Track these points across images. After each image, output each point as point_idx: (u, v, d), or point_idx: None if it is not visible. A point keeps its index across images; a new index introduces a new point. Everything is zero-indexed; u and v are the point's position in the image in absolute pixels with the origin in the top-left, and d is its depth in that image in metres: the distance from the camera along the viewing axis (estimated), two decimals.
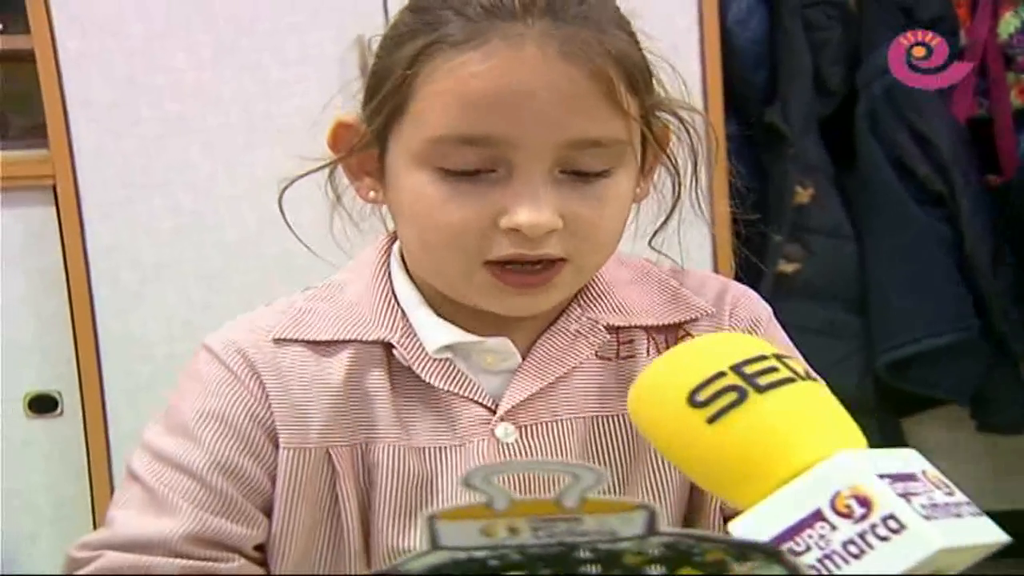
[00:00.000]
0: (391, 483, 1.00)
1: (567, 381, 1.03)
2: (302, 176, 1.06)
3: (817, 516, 0.66)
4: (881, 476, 0.67)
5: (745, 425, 0.71)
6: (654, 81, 1.00)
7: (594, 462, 1.01)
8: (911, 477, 0.68)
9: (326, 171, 1.06)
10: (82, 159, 2.37)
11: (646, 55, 0.99)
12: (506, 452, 1.00)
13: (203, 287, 2.42)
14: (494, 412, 1.01)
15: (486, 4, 0.93)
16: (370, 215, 1.09)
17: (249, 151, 2.40)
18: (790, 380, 0.73)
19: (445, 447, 1.01)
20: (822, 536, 0.65)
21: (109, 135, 2.37)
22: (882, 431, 2.52)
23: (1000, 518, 0.71)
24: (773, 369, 0.73)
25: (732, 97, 2.49)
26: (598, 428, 1.02)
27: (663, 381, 0.76)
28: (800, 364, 0.76)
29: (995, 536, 0.68)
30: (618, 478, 1.02)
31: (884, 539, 0.64)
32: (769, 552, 0.52)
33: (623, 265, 1.09)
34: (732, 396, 0.71)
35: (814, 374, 0.77)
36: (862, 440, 0.73)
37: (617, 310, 1.06)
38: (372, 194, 1.03)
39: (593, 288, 1.06)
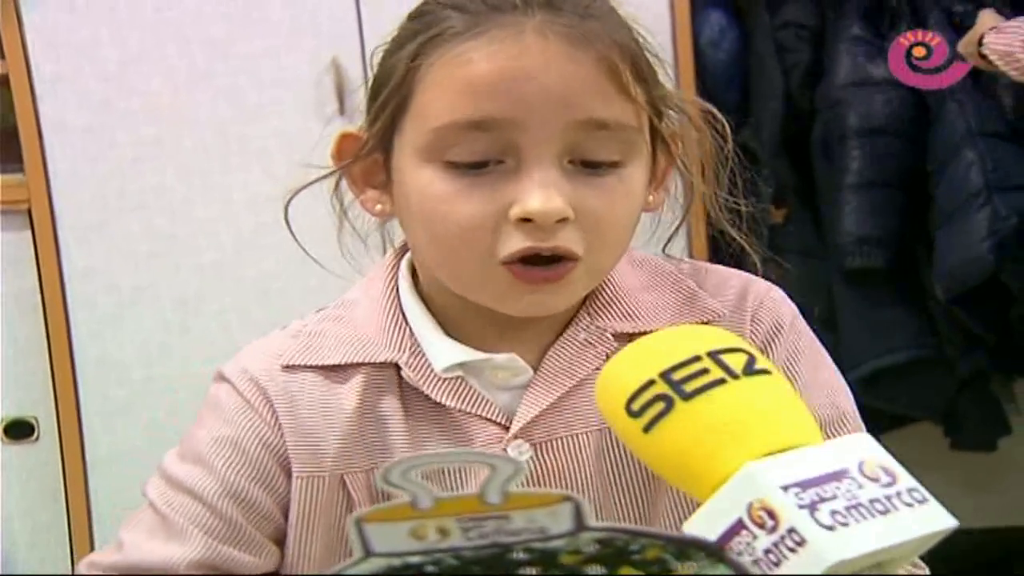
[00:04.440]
0: None
1: (579, 393, 1.00)
2: (309, 184, 1.04)
3: (740, 525, 0.67)
4: (789, 486, 0.67)
5: (673, 434, 0.72)
6: (660, 77, 1.00)
7: (611, 475, 1.00)
8: (836, 476, 0.68)
9: (328, 188, 1.04)
10: (57, 183, 2.37)
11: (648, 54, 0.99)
12: None
13: (179, 310, 2.41)
14: (507, 429, 0.99)
15: (486, 0, 0.93)
16: (372, 231, 1.07)
17: (225, 174, 2.40)
18: (720, 382, 0.74)
19: (460, 467, 0.98)
20: (748, 544, 0.67)
21: (84, 159, 2.37)
22: None
23: (976, 536, 0.72)
24: (703, 372, 0.74)
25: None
26: (613, 439, 0.99)
27: (609, 388, 0.77)
28: (741, 360, 0.76)
29: (934, 524, 0.68)
30: (641, 490, 1.00)
31: (792, 551, 0.65)
32: (711, 551, 0.53)
33: (638, 266, 1.06)
34: (660, 406, 0.73)
35: (761, 365, 0.75)
36: (802, 432, 0.73)
37: (627, 316, 1.03)
38: (379, 207, 1.01)
39: (603, 294, 1.03)
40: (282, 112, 2.36)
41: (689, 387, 0.73)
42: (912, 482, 0.70)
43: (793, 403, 0.76)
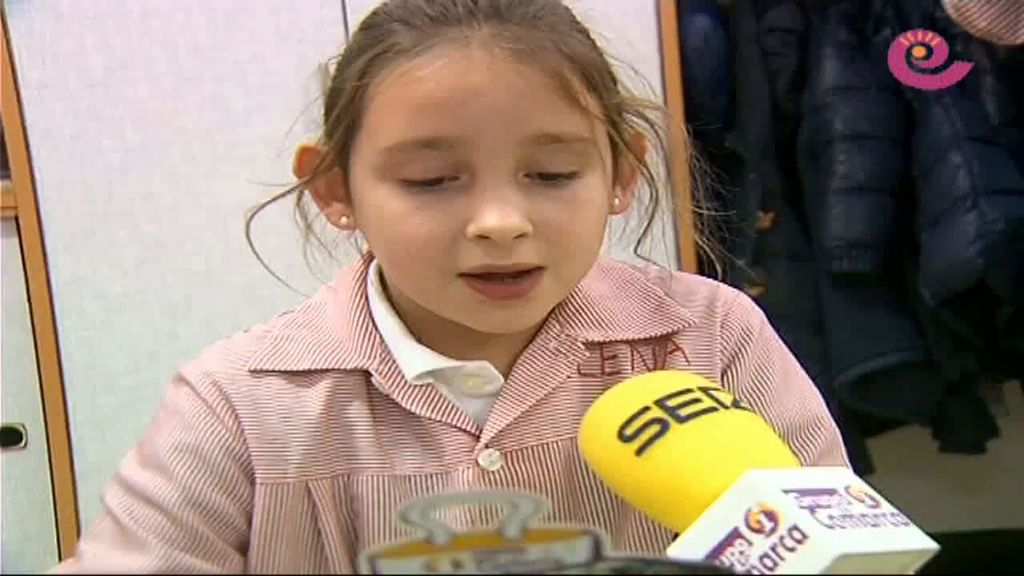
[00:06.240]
0: (377, 513, 0.98)
1: (549, 402, 1.00)
2: (267, 203, 1.04)
3: (735, 534, 0.69)
4: (788, 491, 0.69)
5: (668, 454, 0.75)
6: (618, 84, 0.99)
7: (581, 483, 1.00)
8: (828, 492, 0.71)
9: (294, 199, 1.04)
10: (45, 190, 2.36)
11: (607, 59, 0.98)
12: (490, 479, 0.99)
13: (168, 317, 2.41)
14: (478, 438, 0.99)
15: (431, 13, 0.93)
16: (343, 241, 1.07)
17: (212, 180, 2.39)
18: (712, 409, 0.77)
19: (430, 475, 0.98)
20: (742, 552, 0.68)
21: (71, 166, 2.37)
22: (846, 452, 2.53)
23: (964, 538, 0.73)
24: (696, 400, 0.78)
25: (691, 122, 2.50)
26: None
27: (598, 419, 0.80)
28: (729, 395, 0.80)
29: (919, 543, 0.71)
30: (612, 498, 1.00)
31: (792, 550, 0.67)
32: None
33: (605, 275, 1.06)
34: (655, 428, 0.76)
35: (744, 404, 0.80)
36: (789, 460, 0.77)
37: (597, 324, 1.03)
38: (344, 220, 1.02)
39: (572, 302, 1.03)
40: (269, 118, 2.36)
41: (684, 412, 0.77)
42: (893, 508, 0.74)
43: (775, 437, 0.80)
